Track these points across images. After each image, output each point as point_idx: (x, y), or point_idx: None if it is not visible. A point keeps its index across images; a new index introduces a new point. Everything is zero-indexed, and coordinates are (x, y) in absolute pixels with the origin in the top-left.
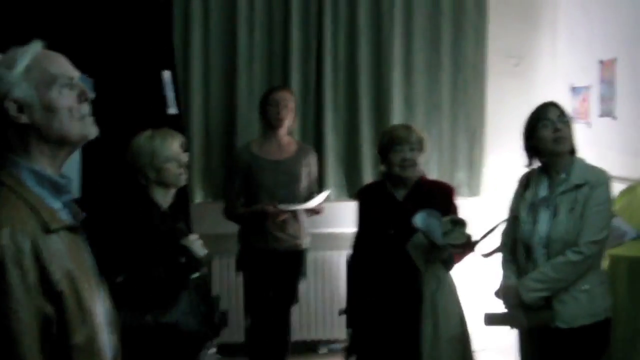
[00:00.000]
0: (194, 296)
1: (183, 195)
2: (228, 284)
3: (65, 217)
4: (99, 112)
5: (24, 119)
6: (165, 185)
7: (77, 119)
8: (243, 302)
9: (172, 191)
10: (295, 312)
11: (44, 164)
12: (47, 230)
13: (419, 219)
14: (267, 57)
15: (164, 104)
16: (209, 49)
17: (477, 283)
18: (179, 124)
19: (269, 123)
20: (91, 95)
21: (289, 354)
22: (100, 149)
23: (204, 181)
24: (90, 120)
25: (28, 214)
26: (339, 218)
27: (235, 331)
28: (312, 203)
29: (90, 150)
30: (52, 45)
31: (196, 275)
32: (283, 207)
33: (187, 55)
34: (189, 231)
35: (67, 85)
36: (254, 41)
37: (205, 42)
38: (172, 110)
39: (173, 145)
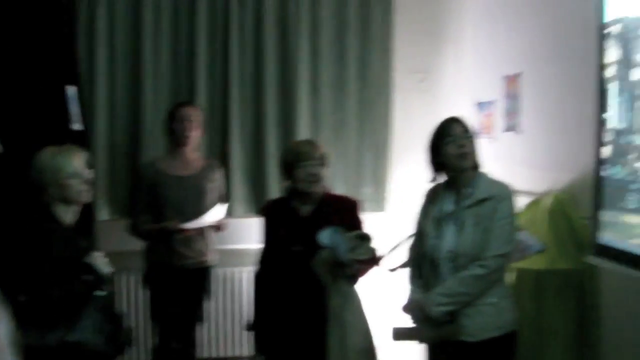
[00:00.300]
0: (99, 314)
1: (88, 213)
2: (134, 302)
3: None
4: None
5: None
6: (68, 202)
7: None
8: (150, 319)
9: (75, 208)
10: (200, 328)
11: None
12: None
13: (324, 236)
14: (173, 73)
15: (67, 119)
16: (114, 64)
17: (385, 298)
18: (84, 140)
19: (176, 139)
20: None
21: None
22: (2, 165)
23: (109, 198)
24: None
25: None
26: (246, 234)
27: (142, 349)
28: (211, 218)
29: None
30: None
31: (101, 293)
32: (185, 225)
33: (92, 70)
34: (94, 248)
35: None
36: (160, 57)
37: (111, 58)
38: (77, 126)
39: (76, 162)
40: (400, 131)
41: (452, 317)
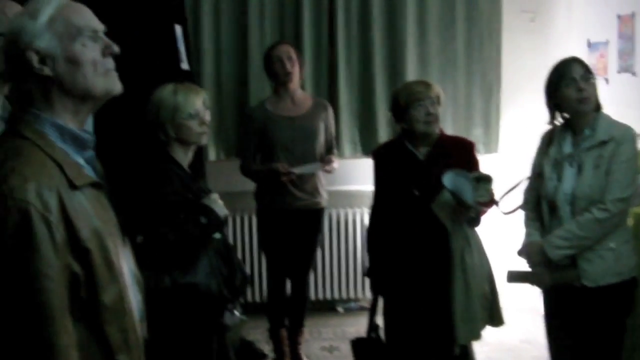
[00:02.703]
0: (215, 257)
1: (199, 153)
2: (243, 243)
3: (89, 173)
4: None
5: (46, 71)
6: (185, 143)
7: (101, 74)
8: (259, 260)
9: (192, 149)
10: (312, 271)
11: (66, 119)
12: (73, 187)
13: (447, 179)
14: (278, 12)
15: (177, 59)
16: (220, 3)
17: (498, 240)
18: (192, 80)
19: (278, 80)
20: (116, 49)
21: (306, 312)
22: (111, 105)
23: (217, 138)
24: (114, 75)
25: (53, 169)
26: (354, 175)
27: (253, 290)
28: (317, 167)
29: (100, 110)
30: None
31: (217, 236)
32: (295, 168)
33: (198, 10)
34: (209, 190)
35: (91, 38)
36: None
37: None
38: (185, 65)
39: (196, 102)
40: (510, 72)
41: (571, 261)
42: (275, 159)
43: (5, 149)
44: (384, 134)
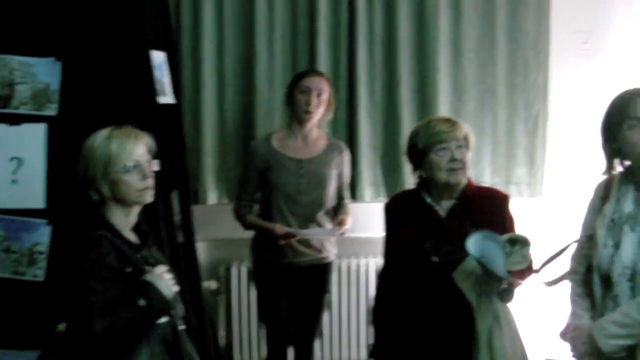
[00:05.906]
0: (159, 349)
1: (185, 197)
2: (246, 299)
3: None
4: (69, 103)
5: None
6: (122, 202)
7: None
8: (260, 322)
9: (136, 210)
10: (319, 332)
11: None
12: None
13: (472, 243)
14: (290, 36)
15: (152, 92)
16: (222, 26)
17: (536, 319)
18: (175, 115)
19: (296, 114)
20: None
21: None
22: (69, 149)
23: (218, 179)
24: None
25: None
26: (374, 221)
27: (251, 354)
28: (327, 232)
29: (57, 153)
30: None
31: (163, 320)
32: (295, 231)
33: (197, 34)
34: (159, 261)
35: None
36: (275, 17)
37: (218, 19)
38: (166, 99)
39: (135, 150)
40: (559, 102)
41: (628, 354)
42: (276, 207)
43: None
44: (410, 175)
